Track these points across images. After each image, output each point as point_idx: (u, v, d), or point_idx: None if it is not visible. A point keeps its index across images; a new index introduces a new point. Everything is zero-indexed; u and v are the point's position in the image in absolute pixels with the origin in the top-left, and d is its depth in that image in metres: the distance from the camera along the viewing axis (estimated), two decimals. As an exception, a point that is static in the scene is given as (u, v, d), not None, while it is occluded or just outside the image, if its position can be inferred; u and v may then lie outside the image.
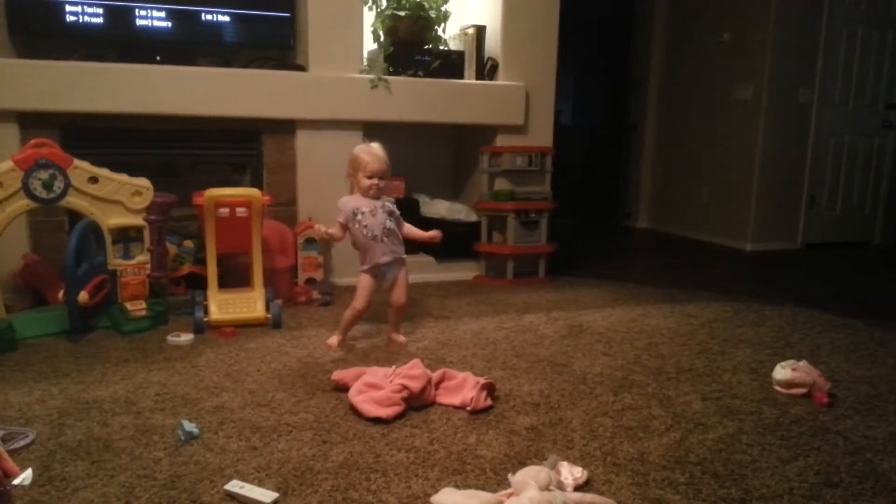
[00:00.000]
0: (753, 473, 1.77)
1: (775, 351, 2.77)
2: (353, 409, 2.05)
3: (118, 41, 3.41)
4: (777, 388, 2.35)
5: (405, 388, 2.08)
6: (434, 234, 2.74)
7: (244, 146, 3.62)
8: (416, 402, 2.10)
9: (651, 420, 2.08)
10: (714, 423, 2.07)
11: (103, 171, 2.77)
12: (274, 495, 1.56)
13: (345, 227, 2.66)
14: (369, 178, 2.61)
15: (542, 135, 4.13)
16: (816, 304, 3.57)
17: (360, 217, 2.62)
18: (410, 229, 2.77)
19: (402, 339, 2.78)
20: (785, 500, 1.65)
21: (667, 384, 2.39)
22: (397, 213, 2.72)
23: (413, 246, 4.04)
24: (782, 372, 2.34)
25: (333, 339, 2.69)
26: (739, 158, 5.46)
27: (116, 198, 2.79)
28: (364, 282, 2.66)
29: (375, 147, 2.65)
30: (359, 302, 2.65)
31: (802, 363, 2.38)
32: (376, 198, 2.65)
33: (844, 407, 2.23)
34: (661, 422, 2.07)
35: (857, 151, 5.68)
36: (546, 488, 1.52)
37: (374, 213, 2.63)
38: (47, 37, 3.31)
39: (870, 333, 3.07)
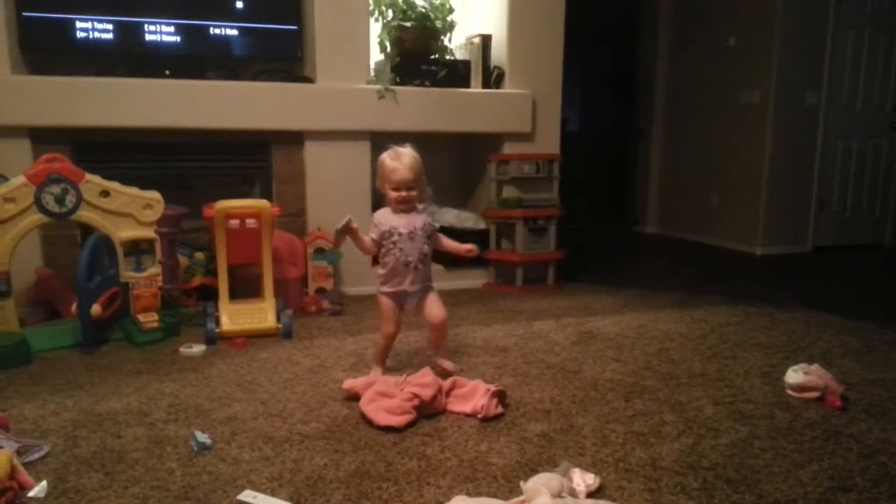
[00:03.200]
0: (767, 478, 1.77)
1: (787, 355, 2.75)
2: (365, 418, 2.06)
3: (128, 56, 3.45)
4: (789, 391, 2.34)
5: (416, 396, 2.08)
6: (471, 247, 2.46)
7: (253, 158, 3.65)
8: (428, 411, 2.10)
9: (663, 426, 2.08)
10: (726, 428, 2.06)
11: (114, 185, 2.80)
12: (287, 505, 1.57)
13: (378, 244, 2.39)
14: (396, 189, 2.31)
15: (548, 142, 4.14)
16: (827, 308, 3.55)
17: (395, 238, 2.34)
18: (446, 242, 2.51)
19: (449, 364, 2.52)
20: (799, 504, 1.64)
21: (678, 389, 2.38)
22: (436, 227, 2.48)
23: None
24: (794, 376, 2.33)
25: (377, 371, 2.44)
26: (748, 162, 5.45)
27: (128, 211, 2.81)
28: (386, 305, 2.40)
29: (403, 152, 2.33)
30: (387, 326, 2.40)
31: (814, 367, 2.36)
32: (411, 211, 2.37)
33: (857, 410, 2.22)
34: (673, 427, 2.07)
35: (866, 153, 5.66)
36: (558, 495, 1.52)
37: (412, 237, 2.35)
38: (58, 53, 3.35)
39: (882, 336, 3.05)
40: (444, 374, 2.40)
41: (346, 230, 2.28)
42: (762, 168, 5.34)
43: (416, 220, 2.37)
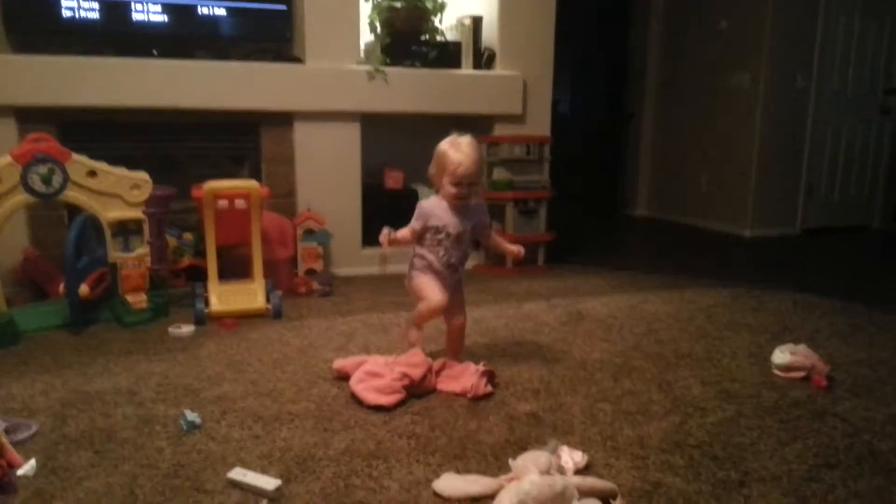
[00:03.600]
0: (752, 456, 1.79)
1: (774, 335, 2.78)
2: (355, 398, 2.06)
3: (115, 36, 3.40)
4: (776, 371, 2.36)
5: (406, 375, 2.09)
6: (519, 248, 2.30)
7: (242, 139, 3.63)
8: (417, 390, 2.11)
9: (651, 405, 2.09)
10: (713, 407, 2.08)
11: (102, 165, 2.77)
12: (276, 482, 1.57)
13: (416, 234, 2.21)
14: (456, 184, 2.11)
15: (539, 124, 4.13)
16: (815, 289, 3.58)
17: (442, 237, 2.17)
18: (496, 240, 2.35)
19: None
20: (784, 481, 1.66)
21: (666, 369, 2.40)
22: (488, 223, 2.30)
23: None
24: (781, 356, 2.36)
25: (415, 334, 2.34)
26: (738, 145, 5.46)
27: (115, 191, 2.79)
28: (424, 279, 2.22)
29: (466, 143, 2.13)
30: (434, 297, 2.17)
31: (801, 347, 2.39)
32: (463, 209, 2.18)
33: (843, 390, 2.24)
34: (660, 406, 2.08)
35: (855, 137, 5.68)
36: (546, 472, 1.54)
37: (460, 239, 2.18)
38: (44, 32, 3.30)
39: (868, 317, 3.08)
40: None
41: (392, 243, 2.16)
42: (752, 151, 5.35)
43: (466, 221, 2.19)
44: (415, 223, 2.19)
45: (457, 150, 2.11)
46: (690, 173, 5.94)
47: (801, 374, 2.30)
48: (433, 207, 2.17)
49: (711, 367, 2.44)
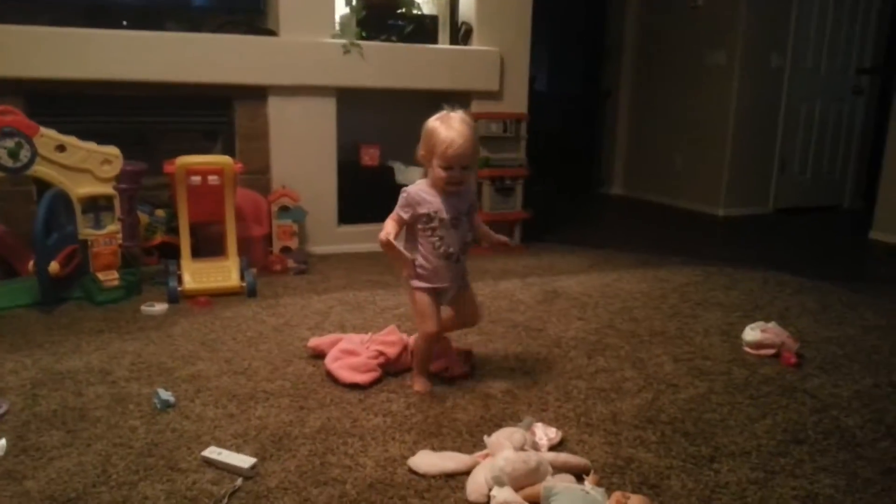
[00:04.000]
0: (723, 431, 1.82)
1: (746, 313, 2.82)
2: (330, 376, 2.06)
3: (84, 6, 3.31)
4: (747, 349, 2.40)
5: (382, 354, 2.09)
6: (505, 239, 2.10)
7: (215, 113, 3.56)
8: (393, 368, 2.11)
9: (624, 382, 2.12)
10: (685, 384, 2.11)
11: (71, 140, 2.71)
12: (252, 461, 1.57)
13: (404, 226, 1.92)
14: (447, 167, 1.83)
15: (516, 101, 4.11)
16: (786, 268, 3.63)
17: (436, 224, 1.88)
18: (482, 226, 2.06)
19: (467, 369, 2.15)
20: (753, 456, 1.69)
21: (639, 347, 2.43)
22: (476, 204, 2.03)
23: (388, 213, 4.03)
24: (752, 333, 2.39)
25: (420, 385, 2.01)
26: (712, 124, 5.49)
27: (85, 166, 2.74)
28: (424, 301, 1.93)
29: (459, 119, 1.85)
30: (429, 324, 1.93)
31: (772, 325, 2.43)
32: (455, 191, 1.90)
33: (812, 366, 2.29)
34: (633, 383, 2.11)
35: (828, 116, 5.74)
36: (521, 448, 1.55)
37: (456, 223, 1.90)
38: (11, 1, 3.20)
39: (838, 295, 3.14)
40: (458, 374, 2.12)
41: (389, 249, 1.85)
42: (726, 130, 5.39)
43: (460, 202, 1.91)
44: (401, 212, 1.89)
45: (448, 126, 1.82)
46: (665, 152, 5.97)
47: (772, 351, 2.34)
48: (421, 192, 1.89)
49: (684, 344, 2.47)
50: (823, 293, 3.17)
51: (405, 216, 1.89)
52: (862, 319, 2.80)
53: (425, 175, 1.94)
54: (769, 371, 2.23)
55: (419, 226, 1.90)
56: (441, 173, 1.84)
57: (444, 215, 1.88)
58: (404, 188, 1.92)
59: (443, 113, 1.88)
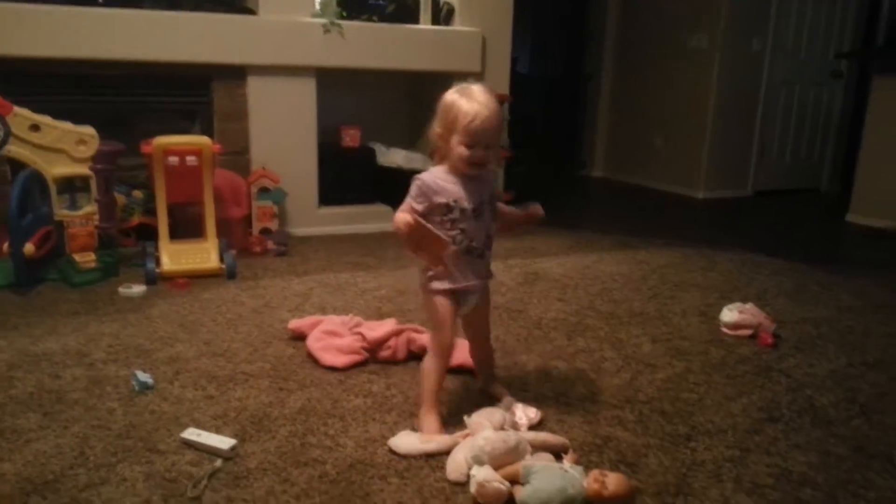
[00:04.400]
0: (699, 410, 1.84)
1: (723, 294, 2.84)
2: (311, 357, 2.06)
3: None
4: (724, 329, 2.42)
5: (363, 338, 2.08)
6: (535, 210, 1.85)
7: (193, 93, 3.52)
8: (377, 355, 2.08)
9: (603, 362, 2.14)
10: (663, 364, 2.14)
11: (45, 119, 2.67)
12: (231, 442, 1.56)
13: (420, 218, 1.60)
14: (470, 144, 1.60)
15: (498, 82, 4.09)
16: (764, 250, 3.67)
17: (457, 216, 1.65)
18: (506, 210, 1.84)
19: (504, 391, 1.88)
20: (729, 434, 1.72)
21: (619, 328, 2.45)
22: (497, 192, 1.82)
23: (369, 195, 4.03)
24: (729, 314, 2.42)
25: (430, 425, 1.66)
26: (693, 107, 5.51)
27: (60, 146, 2.70)
28: (443, 306, 1.68)
29: (480, 91, 1.62)
30: (447, 334, 1.69)
31: (749, 305, 2.46)
32: (474, 177, 1.67)
33: (788, 347, 2.32)
34: (612, 364, 2.13)
35: (807, 100, 5.78)
36: (500, 428, 1.56)
37: (478, 213, 1.67)
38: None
39: (814, 276, 3.18)
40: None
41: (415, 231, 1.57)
42: (707, 113, 5.41)
43: (482, 188, 1.69)
44: (414, 204, 1.64)
45: (469, 98, 1.60)
46: (646, 135, 5.99)
47: (749, 331, 2.37)
48: (438, 180, 1.65)
49: (662, 325, 2.49)
50: (800, 275, 3.21)
51: (419, 208, 1.64)
52: (837, 300, 2.84)
53: (434, 160, 1.72)
54: (746, 351, 2.26)
55: (437, 218, 1.64)
56: (463, 152, 1.61)
57: (466, 204, 1.64)
58: (416, 176, 1.67)
59: (461, 86, 1.66)
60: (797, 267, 3.34)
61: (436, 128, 1.66)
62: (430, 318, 1.72)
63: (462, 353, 1.94)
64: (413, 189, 1.66)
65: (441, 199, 1.64)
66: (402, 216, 1.59)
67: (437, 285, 1.68)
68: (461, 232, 1.65)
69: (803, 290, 2.96)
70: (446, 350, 1.70)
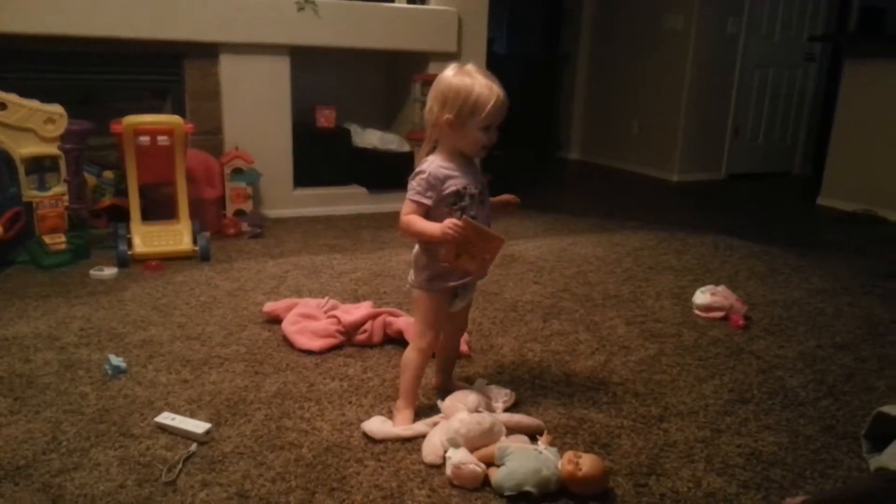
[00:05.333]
0: (672, 392, 1.87)
1: (696, 277, 2.88)
2: (287, 340, 2.05)
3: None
4: (697, 312, 2.45)
5: (339, 321, 2.07)
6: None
7: (164, 71, 3.46)
8: (352, 339, 2.08)
9: (578, 344, 2.16)
10: (637, 346, 2.16)
11: (12, 97, 2.61)
12: (206, 426, 1.56)
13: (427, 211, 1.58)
14: (486, 127, 1.55)
15: (474, 63, 4.06)
16: (737, 233, 3.71)
17: (466, 202, 1.58)
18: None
19: (464, 383, 1.85)
20: (700, 415, 1.74)
21: (594, 310, 2.47)
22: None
23: (344, 176, 4.00)
24: (702, 297, 2.45)
25: (402, 418, 1.64)
26: (668, 90, 5.53)
27: (28, 125, 2.64)
28: (432, 304, 1.63)
29: (479, 71, 1.59)
30: (432, 335, 1.65)
31: (721, 288, 2.49)
32: (470, 162, 1.63)
33: (759, 329, 2.35)
34: (587, 346, 2.15)
35: (781, 83, 5.82)
36: (475, 410, 1.57)
37: (482, 198, 1.63)
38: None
39: (785, 260, 3.23)
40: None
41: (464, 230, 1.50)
42: (681, 96, 5.43)
43: (478, 173, 1.65)
44: (423, 199, 1.56)
45: (474, 79, 1.54)
46: (622, 118, 6.00)
47: (721, 314, 2.40)
48: (442, 169, 1.57)
49: (636, 307, 2.51)
50: (771, 257, 3.25)
51: (428, 202, 1.56)
52: (808, 283, 2.89)
53: (425, 146, 1.64)
54: (718, 333, 2.29)
55: (445, 209, 1.57)
56: (479, 136, 1.55)
57: (474, 189, 1.59)
58: (418, 170, 1.59)
59: (455, 68, 1.59)
60: (769, 250, 3.39)
61: (446, 114, 1.53)
62: (422, 317, 1.65)
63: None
64: (419, 184, 1.57)
65: (451, 188, 1.56)
66: (441, 225, 1.50)
67: (437, 285, 1.61)
68: (472, 219, 1.54)
69: (774, 273, 3.01)
70: (432, 350, 1.68)
